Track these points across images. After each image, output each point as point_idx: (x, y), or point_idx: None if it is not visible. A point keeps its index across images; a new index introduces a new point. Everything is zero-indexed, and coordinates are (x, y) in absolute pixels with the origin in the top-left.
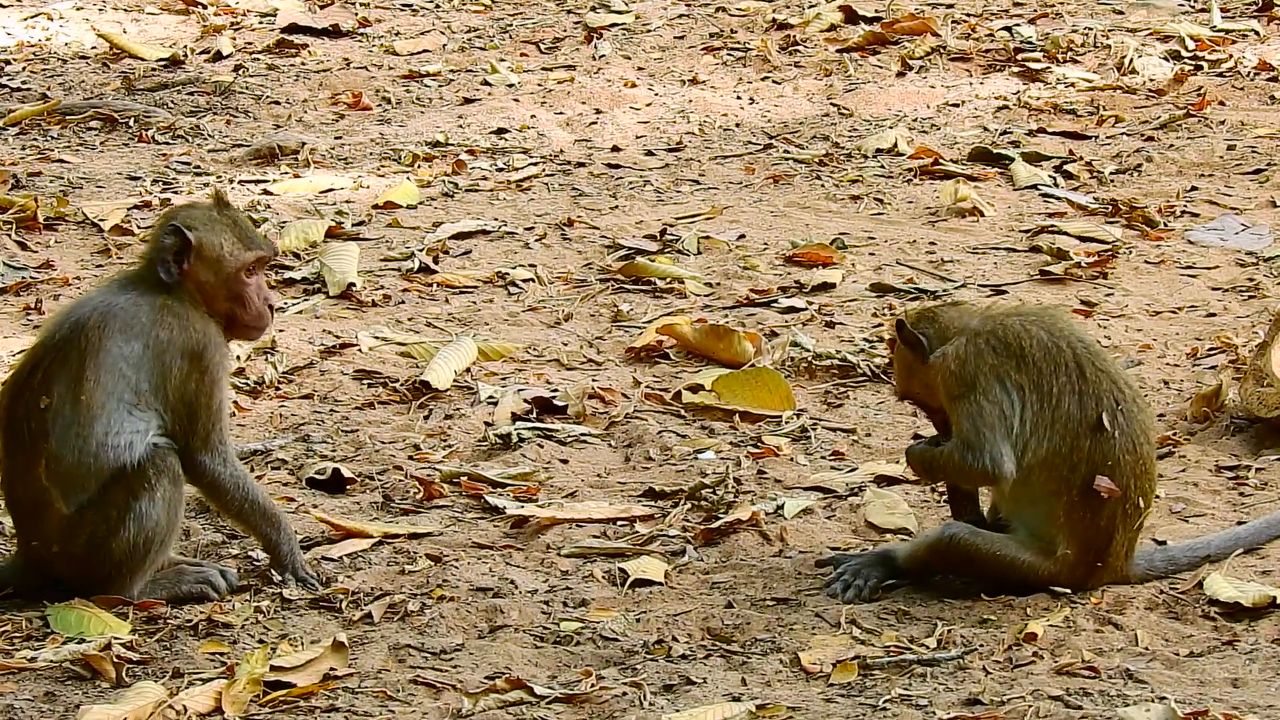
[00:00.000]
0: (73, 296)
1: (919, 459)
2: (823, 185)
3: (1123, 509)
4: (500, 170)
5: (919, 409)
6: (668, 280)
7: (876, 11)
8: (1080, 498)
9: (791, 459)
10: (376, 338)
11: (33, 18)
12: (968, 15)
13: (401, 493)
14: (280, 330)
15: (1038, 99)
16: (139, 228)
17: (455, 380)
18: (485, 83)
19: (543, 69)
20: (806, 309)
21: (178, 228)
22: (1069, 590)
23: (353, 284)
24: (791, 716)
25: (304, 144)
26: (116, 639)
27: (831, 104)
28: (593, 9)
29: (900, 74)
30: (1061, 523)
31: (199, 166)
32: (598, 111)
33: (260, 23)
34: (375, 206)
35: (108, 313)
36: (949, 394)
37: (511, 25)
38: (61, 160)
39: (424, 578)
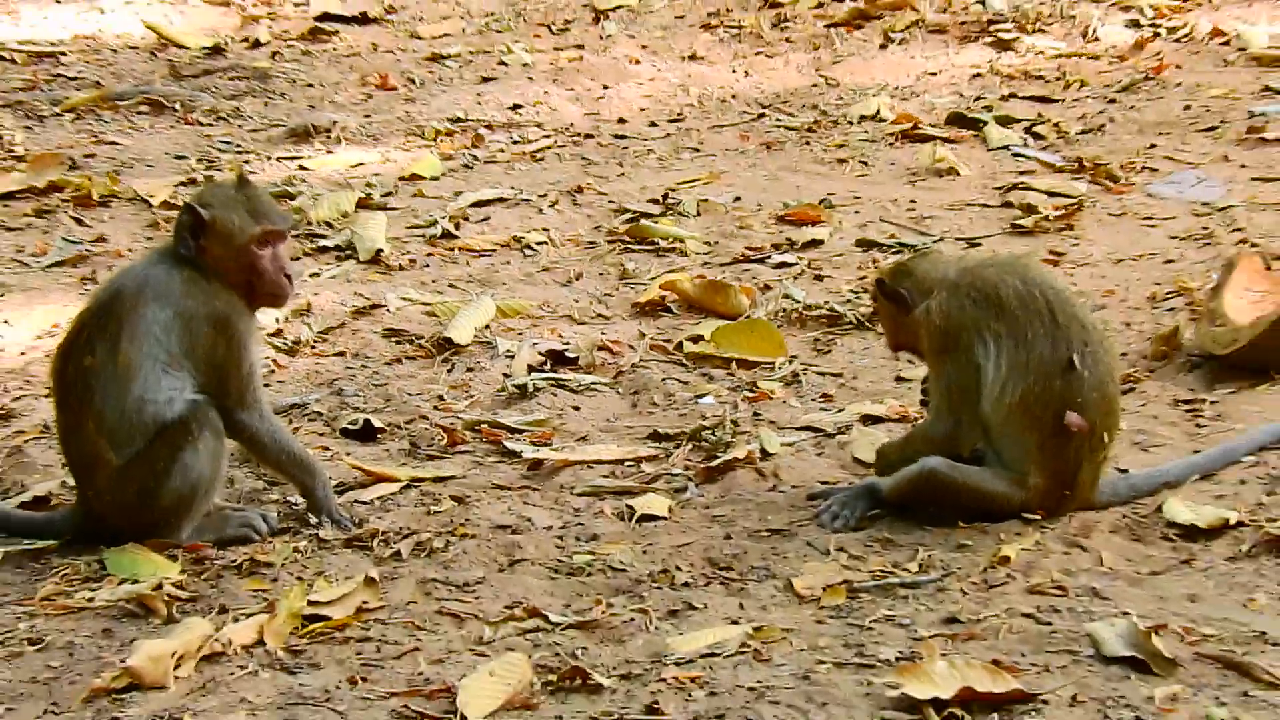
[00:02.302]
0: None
1: (891, 455)
2: (811, 150)
3: (1089, 442)
4: (516, 143)
5: (914, 356)
6: (670, 240)
7: None
8: (1052, 433)
9: (784, 402)
10: (403, 298)
11: (85, 11)
12: None
13: (427, 440)
14: (315, 294)
15: (1009, 67)
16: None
17: (475, 336)
18: (502, 63)
19: (554, 49)
20: (797, 264)
21: (192, 205)
22: (1039, 517)
23: (381, 250)
24: (785, 637)
25: (335, 123)
26: (167, 579)
27: (819, 75)
28: None
29: (882, 46)
30: (1034, 456)
31: (240, 145)
32: (605, 87)
33: (295, 12)
34: (401, 178)
35: (144, 281)
36: (932, 348)
37: (525, 9)
38: (113, 142)
39: (448, 517)
